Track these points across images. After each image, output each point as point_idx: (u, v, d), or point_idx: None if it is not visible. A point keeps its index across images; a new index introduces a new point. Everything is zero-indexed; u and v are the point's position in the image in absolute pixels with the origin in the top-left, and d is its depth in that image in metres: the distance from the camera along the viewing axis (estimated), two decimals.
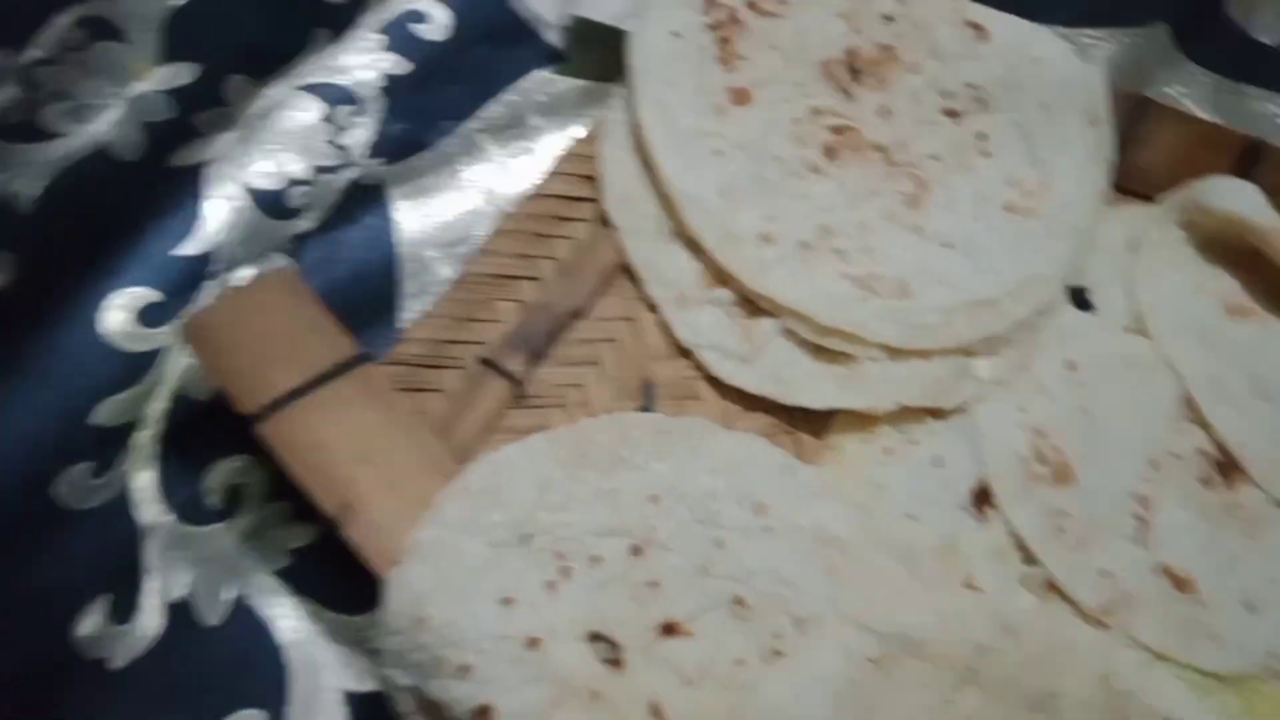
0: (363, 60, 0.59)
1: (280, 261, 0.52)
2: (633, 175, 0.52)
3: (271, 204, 0.54)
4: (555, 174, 0.53)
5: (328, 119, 0.57)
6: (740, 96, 0.53)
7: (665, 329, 0.50)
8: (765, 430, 0.50)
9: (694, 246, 0.51)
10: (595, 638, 0.41)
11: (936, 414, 0.52)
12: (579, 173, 0.53)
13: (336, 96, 0.58)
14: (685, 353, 0.50)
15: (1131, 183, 0.61)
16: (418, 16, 0.61)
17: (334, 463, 0.41)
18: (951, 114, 0.56)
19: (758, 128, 0.53)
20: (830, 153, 0.54)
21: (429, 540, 0.40)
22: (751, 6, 0.56)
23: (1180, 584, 0.49)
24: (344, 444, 0.42)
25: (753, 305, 0.51)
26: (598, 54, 0.58)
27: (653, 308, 0.51)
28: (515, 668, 0.38)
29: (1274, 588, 0.50)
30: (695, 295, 0.51)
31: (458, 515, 0.41)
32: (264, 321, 0.44)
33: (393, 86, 0.58)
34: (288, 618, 0.44)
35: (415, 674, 0.39)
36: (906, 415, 0.51)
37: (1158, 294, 0.58)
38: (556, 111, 0.58)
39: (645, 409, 0.49)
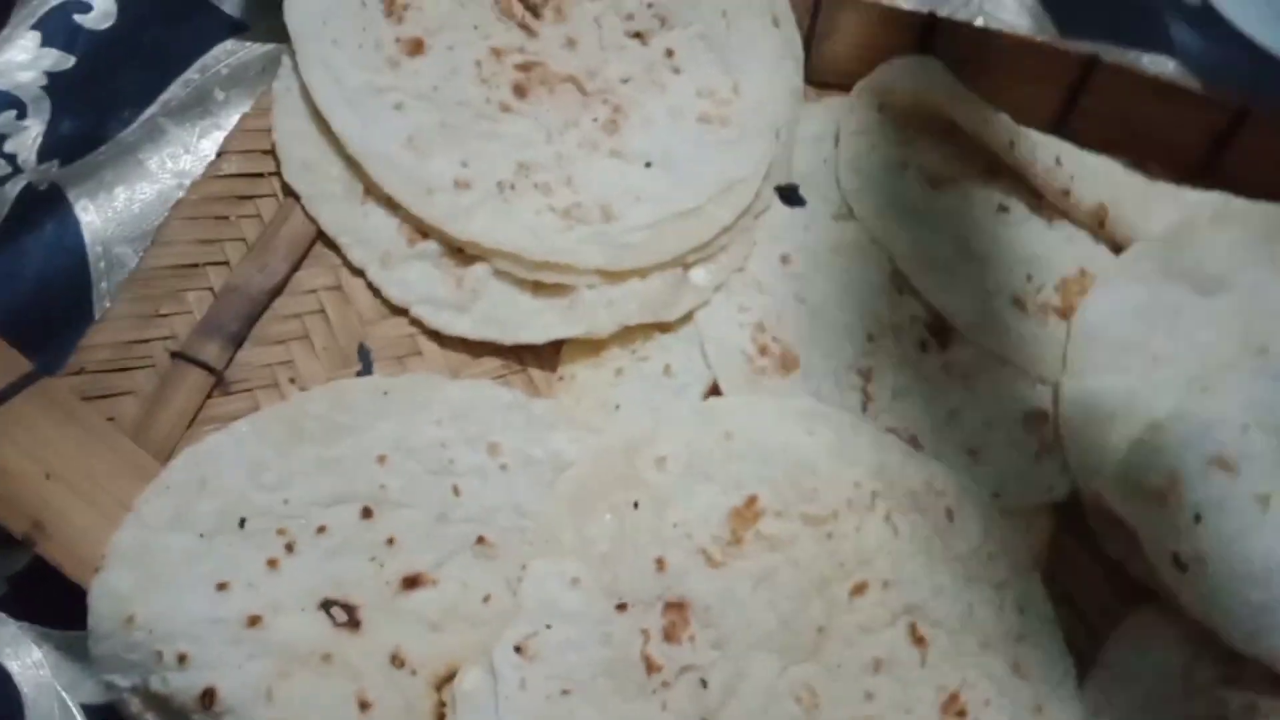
0: (19, 59, 0.55)
1: None
2: (312, 141, 0.50)
3: None
4: (228, 153, 0.51)
5: None
6: (413, 46, 0.52)
7: (375, 291, 0.50)
8: (496, 373, 0.50)
9: (390, 204, 0.50)
10: (328, 604, 0.41)
11: (663, 328, 0.53)
12: (255, 148, 0.51)
13: None
14: (400, 311, 0.50)
15: (825, 75, 0.63)
16: (79, 6, 0.57)
17: (19, 485, 0.40)
18: (636, 36, 0.57)
19: (438, 75, 0.52)
20: (520, 90, 0.54)
21: (128, 542, 0.39)
22: None
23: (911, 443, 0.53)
24: (28, 464, 0.40)
25: (461, 253, 0.51)
26: (279, 14, 0.56)
27: (358, 272, 0.50)
28: (235, 647, 0.38)
29: (991, 432, 0.54)
30: (400, 252, 0.50)
31: (158, 512, 0.40)
32: None
33: (56, 84, 0.55)
34: (12, 645, 0.42)
35: (134, 673, 0.38)
36: (634, 334, 0.52)
37: (861, 178, 0.61)
38: (241, 82, 0.56)
39: (364, 374, 0.48)
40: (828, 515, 0.47)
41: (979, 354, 0.56)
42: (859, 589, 0.46)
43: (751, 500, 0.47)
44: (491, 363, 0.50)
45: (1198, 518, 0.50)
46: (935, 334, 0.57)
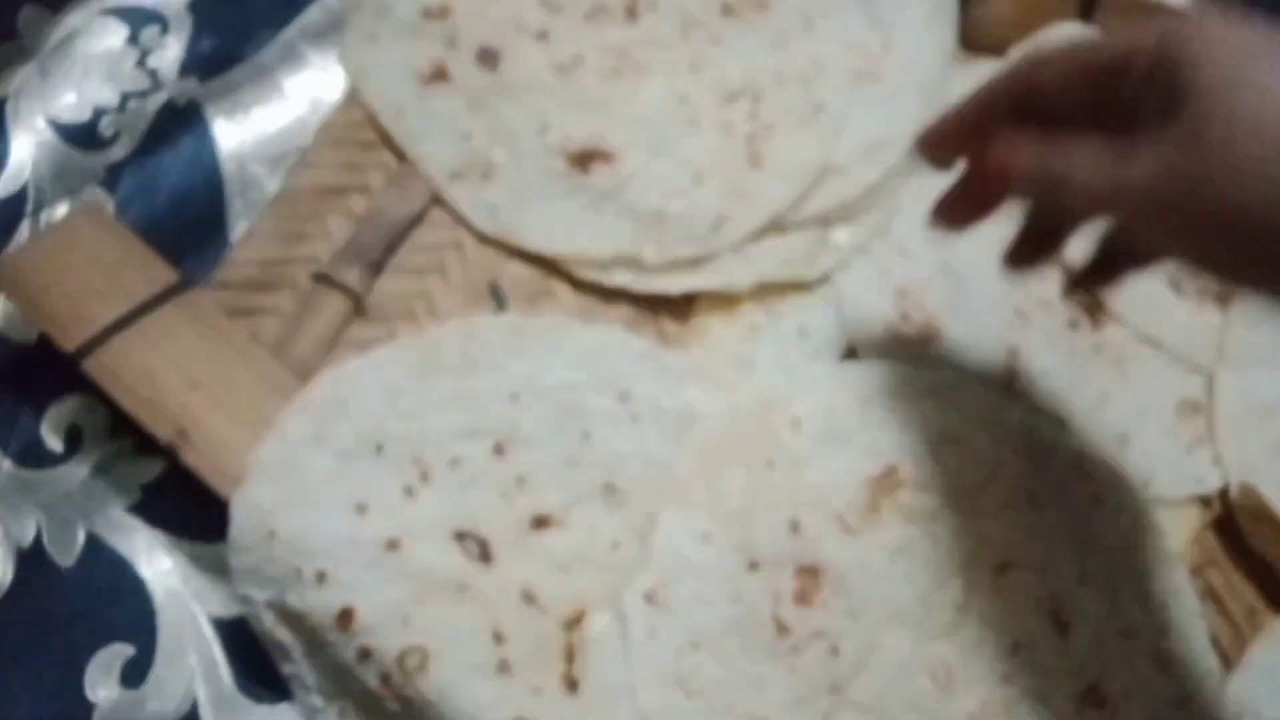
0: None
1: (95, 194, 0.49)
2: None
3: (81, 136, 0.51)
4: None
5: (132, 41, 0.53)
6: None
7: None
8: (627, 321, 0.48)
9: None
10: (461, 536, 0.40)
11: (800, 287, 0.51)
12: None
13: (140, 17, 0.54)
14: None
15: (979, 37, 0.60)
16: None
17: (164, 392, 0.40)
18: None
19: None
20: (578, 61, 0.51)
21: (271, 457, 0.39)
22: None
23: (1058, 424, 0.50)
24: (173, 372, 0.40)
25: None
26: None
27: None
28: (374, 569, 0.37)
29: (1143, 418, 0.51)
30: None
31: (301, 430, 0.40)
32: (76, 258, 0.42)
33: (198, 2, 0.55)
34: (145, 551, 0.43)
35: (271, 588, 0.38)
36: (770, 291, 0.50)
37: None
38: None
39: (498, 312, 0.47)
40: (971, 491, 0.45)
41: (1132, 336, 0.54)
42: (1001, 569, 0.44)
43: (891, 470, 0.45)
44: (623, 310, 0.49)
45: None
46: (1087, 312, 0.54)
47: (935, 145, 0.42)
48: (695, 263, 0.49)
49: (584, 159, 0.49)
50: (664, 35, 0.54)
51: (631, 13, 0.53)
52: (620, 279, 0.49)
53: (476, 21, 0.51)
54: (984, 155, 0.38)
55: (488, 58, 0.50)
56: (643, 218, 0.49)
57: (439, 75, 0.49)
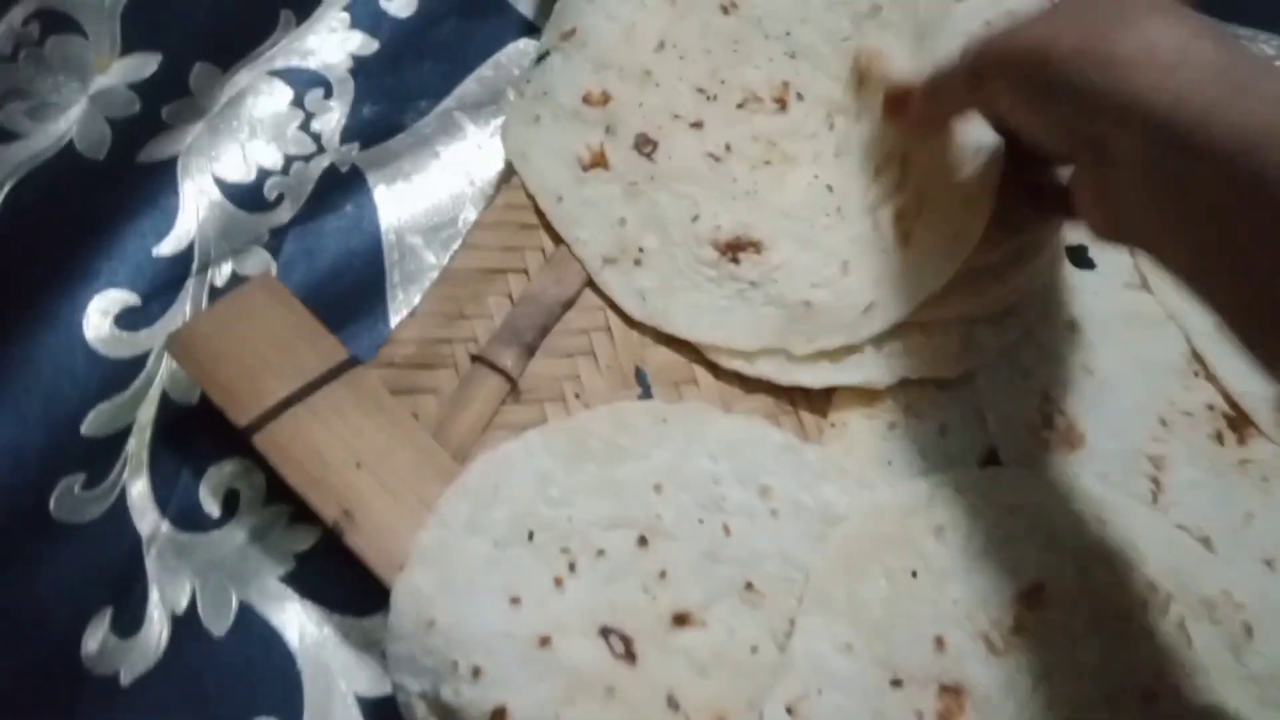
0: (329, 41, 0.57)
1: (259, 256, 0.51)
2: None
3: (247, 196, 0.53)
4: None
5: (298, 104, 0.55)
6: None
7: None
8: (766, 411, 0.48)
9: None
10: (606, 632, 0.40)
11: (941, 384, 0.51)
12: None
13: (305, 80, 0.56)
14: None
15: None
16: None
17: (331, 470, 0.41)
18: None
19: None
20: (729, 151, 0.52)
21: (432, 542, 0.40)
22: None
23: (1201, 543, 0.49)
24: (340, 450, 0.41)
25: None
26: None
27: None
28: (526, 667, 0.38)
29: None
30: None
31: (459, 515, 0.40)
32: (250, 331, 0.43)
33: (360, 67, 0.56)
34: (295, 623, 0.43)
35: (427, 679, 0.38)
36: (910, 387, 0.50)
37: None
38: None
39: (643, 397, 0.48)
40: (1120, 614, 0.44)
41: (1279, 454, 0.52)
42: (1149, 699, 0.43)
43: (1038, 587, 0.44)
44: (763, 400, 0.49)
45: None
46: (1232, 426, 0.52)
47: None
48: (837, 356, 0.49)
49: (733, 248, 0.49)
50: (810, 125, 0.55)
51: (782, 103, 0.54)
52: (764, 369, 0.49)
53: (635, 109, 0.52)
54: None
55: (645, 144, 0.51)
56: (791, 308, 0.49)
57: (597, 162, 0.50)
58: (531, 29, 0.59)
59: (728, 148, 0.52)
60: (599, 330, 0.48)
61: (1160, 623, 0.44)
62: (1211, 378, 0.53)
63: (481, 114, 0.55)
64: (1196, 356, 0.53)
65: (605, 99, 0.51)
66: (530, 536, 0.41)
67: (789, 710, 0.40)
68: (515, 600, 0.39)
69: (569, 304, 0.48)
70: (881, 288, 0.49)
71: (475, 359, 0.45)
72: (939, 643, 0.42)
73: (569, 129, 0.51)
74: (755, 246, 0.49)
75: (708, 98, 0.53)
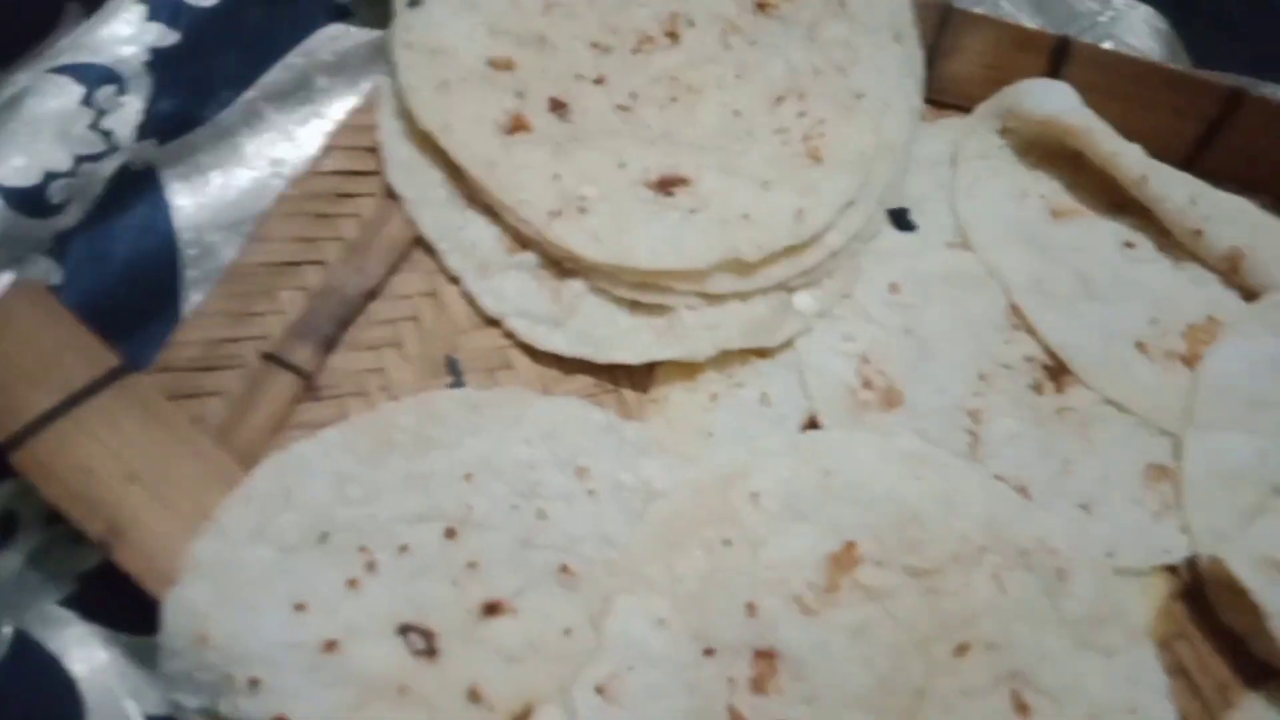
0: (123, 34, 0.54)
1: (43, 264, 0.48)
2: (415, 142, 0.49)
3: (28, 201, 0.49)
4: (332, 149, 0.49)
5: (87, 102, 0.52)
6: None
7: (470, 300, 0.48)
8: (586, 392, 0.48)
9: (491, 212, 0.49)
10: (406, 629, 0.39)
11: (762, 354, 0.51)
12: (359, 145, 0.49)
13: (96, 76, 0.52)
14: (493, 322, 0.48)
15: (946, 95, 0.60)
16: None
17: (99, 484, 0.39)
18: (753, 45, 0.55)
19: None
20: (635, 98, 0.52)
21: (207, 554, 0.38)
22: None
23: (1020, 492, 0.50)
24: (109, 463, 0.39)
25: (560, 266, 0.49)
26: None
27: (454, 280, 0.48)
28: (310, 675, 0.36)
29: (1106, 486, 0.50)
30: (498, 262, 0.48)
31: (240, 524, 0.39)
32: (9, 342, 0.41)
33: (158, 60, 0.53)
34: (77, 647, 0.41)
35: (204, 694, 0.37)
36: (731, 359, 0.50)
37: (978, 205, 0.58)
38: (344, 70, 0.54)
39: (455, 385, 0.47)
40: (932, 568, 0.44)
41: (1096, 400, 0.53)
42: (961, 650, 0.43)
43: (850, 547, 0.44)
44: (583, 380, 0.48)
45: None
46: (1051, 376, 0.53)
47: None
48: (658, 332, 0.49)
49: (664, 185, 0.50)
50: (706, 50, 0.55)
51: (673, 35, 0.54)
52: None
53: (540, 75, 0.52)
54: None
55: (557, 107, 0.51)
56: (732, 224, 0.49)
57: (519, 126, 0.50)
58: (343, 13, 0.57)
59: (633, 96, 0.53)
60: (406, 320, 0.47)
61: (973, 574, 0.45)
62: (1031, 330, 0.54)
63: (287, 103, 0.53)
64: (1015, 310, 0.54)
65: (510, 64, 0.51)
66: (324, 539, 0.40)
67: (599, 690, 0.40)
68: (300, 607, 0.38)
69: (372, 295, 0.47)
70: (805, 197, 0.51)
71: (266, 357, 0.44)
72: (750, 609, 0.42)
73: (483, 95, 0.50)
74: (683, 181, 0.50)
75: (604, 50, 0.54)
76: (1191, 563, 0.49)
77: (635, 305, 0.49)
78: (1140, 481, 0.51)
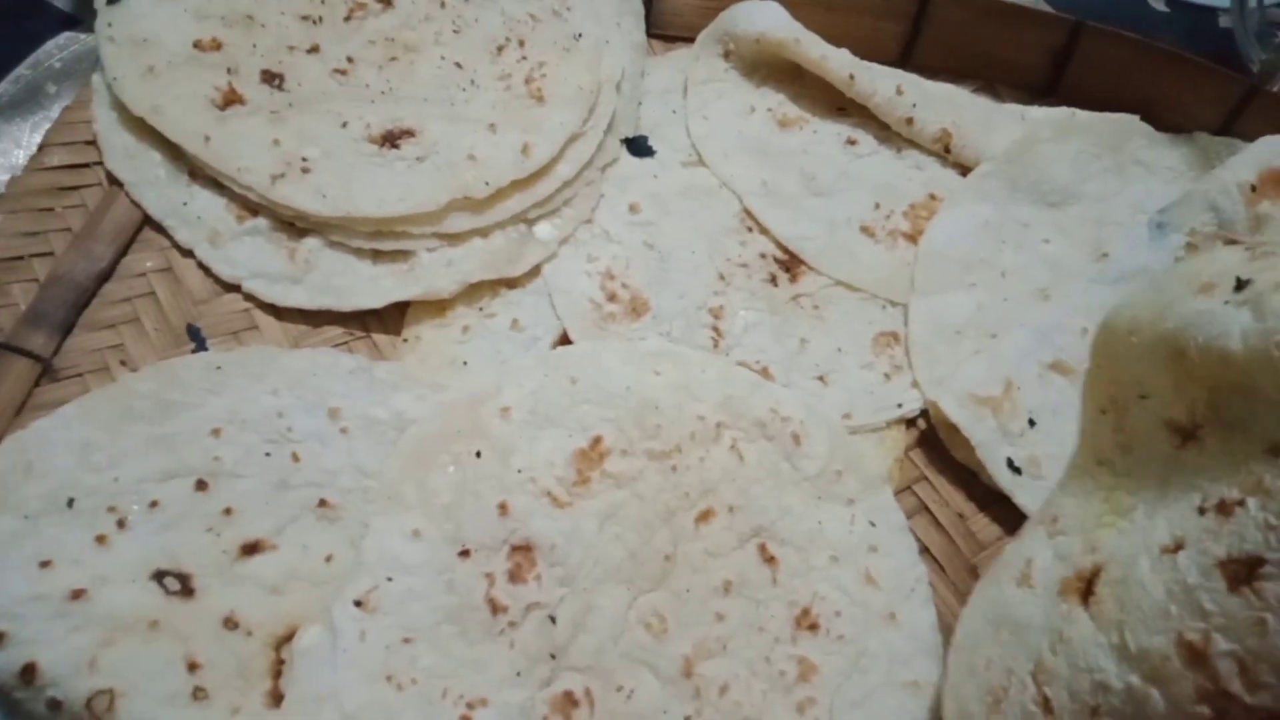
0: None
1: None
2: (132, 129, 0.51)
3: None
4: (50, 145, 0.51)
5: None
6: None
7: (206, 270, 0.50)
8: (338, 342, 0.50)
9: (217, 184, 0.51)
10: (161, 575, 0.41)
11: (512, 284, 0.54)
12: (78, 139, 0.51)
13: None
14: (233, 288, 0.50)
15: (671, 29, 0.64)
16: None
17: None
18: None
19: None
20: (352, 62, 0.55)
21: None
22: None
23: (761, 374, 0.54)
24: None
25: (293, 227, 0.51)
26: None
27: (187, 253, 0.50)
28: (56, 621, 0.38)
29: (840, 357, 0.55)
30: (229, 230, 0.50)
31: None
32: None
33: None
34: None
35: None
36: (483, 291, 0.53)
37: (709, 124, 0.62)
38: (74, 74, 0.56)
39: (199, 351, 0.48)
40: (671, 449, 0.48)
41: (828, 284, 0.58)
42: (704, 516, 0.47)
43: (596, 441, 0.47)
44: (333, 331, 0.51)
45: (1032, 423, 0.51)
46: (785, 268, 0.58)
47: None
48: (399, 275, 0.52)
49: (389, 138, 0.52)
50: (420, 10, 0.58)
51: (386, 1, 0.57)
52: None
53: (250, 51, 0.53)
54: None
55: (271, 79, 0.53)
56: (459, 166, 0.52)
57: (231, 99, 0.51)
58: (72, 21, 0.59)
59: (349, 60, 0.55)
60: (143, 296, 0.49)
61: (712, 448, 0.49)
62: (764, 230, 0.58)
63: (19, 112, 0.55)
64: (747, 214, 0.58)
65: (217, 45, 0.53)
66: (70, 504, 0.41)
67: (358, 604, 0.42)
68: (45, 564, 0.39)
69: (104, 277, 0.48)
70: (529, 134, 0.54)
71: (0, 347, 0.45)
72: (503, 509, 0.45)
73: (191, 75, 0.51)
74: (408, 133, 0.53)
75: (314, 22, 0.56)
76: (926, 413, 0.54)
77: (376, 254, 0.51)
78: (871, 349, 0.55)
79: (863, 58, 0.62)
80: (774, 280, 0.57)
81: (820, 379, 0.54)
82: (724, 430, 0.49)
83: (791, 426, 0.50)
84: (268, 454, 0.46)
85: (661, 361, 0.51)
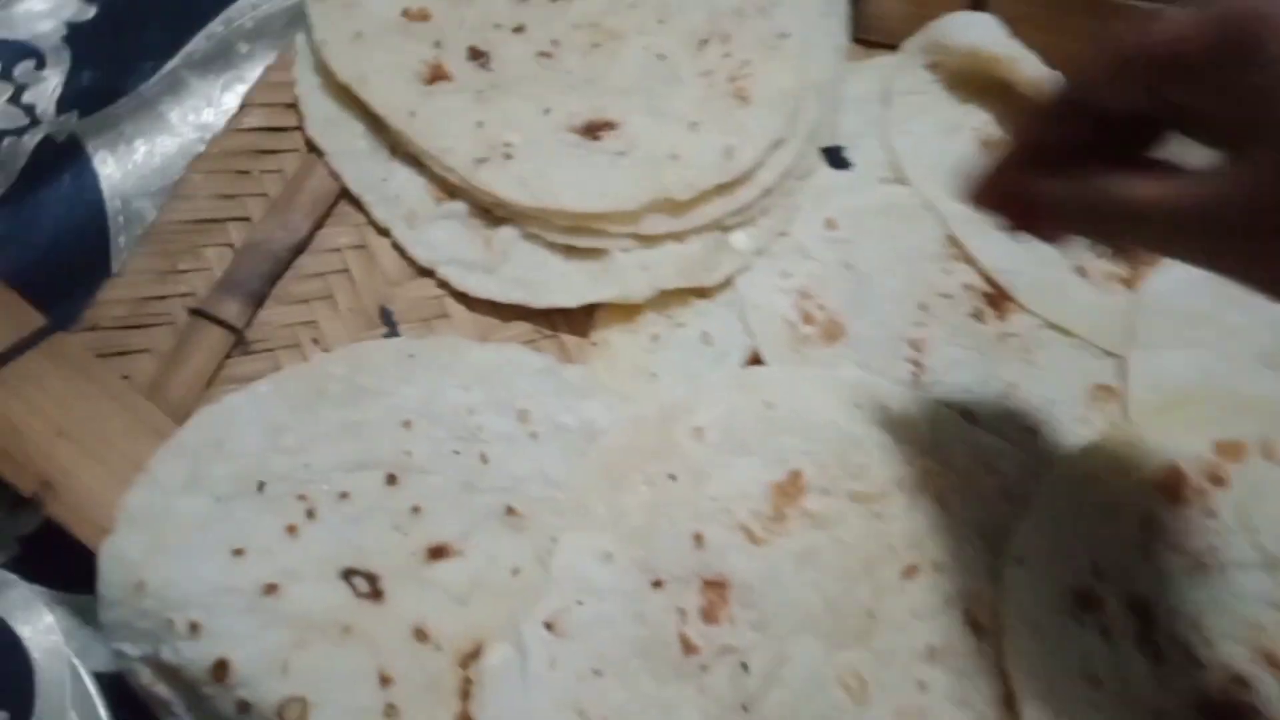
0: (38, 9, 0.53)
1: None
2: (335, 96, 0.49)
3: None
4: (250, 105, 0.49)
5: (5, 76, 0.52)
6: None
7: (400, 251, 0.48)
8: (526, 338, 0.48)
9: (417, 162, 0.48)
10: (350, 573, 0.39)
11: (702, 293, 0.51)
12: (278, 101, 0.49)
13: (13, 52, 0.52)
14: (426, 272, 0.48)
15: (873, 34, 0.60)
16: None
17: (27, 442, 0.38)
18: None
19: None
20: (557, 45, 0.52)
21: (139, 504, 0.38)
22: None
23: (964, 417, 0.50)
24: (37, 422, 0.39)
25: (490, 213, 0.48)
26: None
27: (383, 231, 0.48)
28: (249, 616, 0.36)
29: (1053, 407, 0.50)
30: (426, 211, 0.48)
31: (172, 474, 0.38)
32: None
33: (76, 34, 0.53)
34: (22, 608, 0.41)
35: (145, 643, 0.36)
36: (670, 299, 0.50)
37: (911, 140, 0.58)
38: (266, 34, 0.54)
39: (390, 336, 0.46)
40: (876, 494, 0.44)
41: (1038, 325, 0.53)
42: (909, 571, 0.43)
43: (795, 475, 0.44)
44: (521, 327, 0.48)
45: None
46: (991, 303, 0.54)
47: (986, 201, 0.39)
48: (593, 275, 0.49)
49: (590, 129, 0.50)
50: None
51: None
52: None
53: (457, 25, 0.51)
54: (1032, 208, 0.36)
55: (477, 56, 0.51)
56: (660, 164, 0.49)
57: (438, 75, 0.49)
58: None
59: (554, 43, 0.52)
60: (337, 273, 0.47)
61: (918, 497, 0.45)
62: (969, 259, 0.54)
63: (210, 69, 0.53)
64: (952, 240, 0.55)
65: (425, 15, 0.51)
66: (260, 488, 0.39)
67: (548, 625, 0.39)
68: (238, 552, 0.37)
69: (299, 249, 0.46)
70: (734, 136, 0.51)
71: (194, 313, 0.43)
72: (698, 540, 0.42)
73: (399, 45, 0.49)
74: (609, 125, 0.50)
75: (519, 1, 0.53)
76: None
77: (569, 250, 0.49)
78: (1084, 402, 0.51)
79: None
80: (979, 315, 0.53)
81: (1029, 429, 0.50)
82: (931, 478, 0.46)
83: (1002, 482, 0.47)
84: (456, 451, 0.43)
85: (864, 394, 0.47)
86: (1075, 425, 0.51)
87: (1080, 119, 0.33)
